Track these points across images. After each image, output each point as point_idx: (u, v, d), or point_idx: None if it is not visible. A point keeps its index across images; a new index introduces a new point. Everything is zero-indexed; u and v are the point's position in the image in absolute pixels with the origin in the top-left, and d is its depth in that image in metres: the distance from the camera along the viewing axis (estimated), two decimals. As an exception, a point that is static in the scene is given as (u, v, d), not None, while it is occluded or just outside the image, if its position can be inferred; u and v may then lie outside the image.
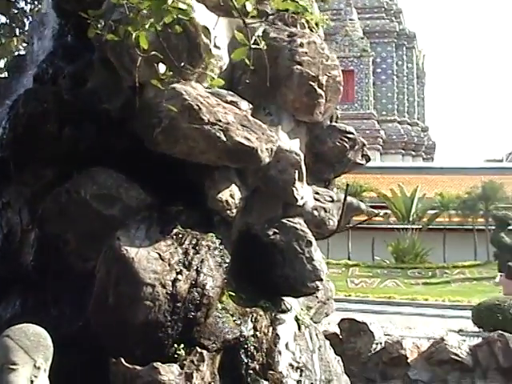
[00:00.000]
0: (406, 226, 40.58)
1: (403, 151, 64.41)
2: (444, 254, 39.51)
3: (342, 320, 8.86)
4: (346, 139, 5.28)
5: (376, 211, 41.04)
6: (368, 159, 5.73)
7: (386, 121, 64.88)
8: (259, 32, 4.77)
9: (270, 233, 4.77)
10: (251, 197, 4.73)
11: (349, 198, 5.67)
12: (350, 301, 27.93)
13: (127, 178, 4.58)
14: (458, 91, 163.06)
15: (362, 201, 32.80)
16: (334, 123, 5.41)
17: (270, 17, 5.13)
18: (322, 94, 4.93)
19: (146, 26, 3.33)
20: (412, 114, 68.09)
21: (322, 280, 4.89)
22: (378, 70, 66.53)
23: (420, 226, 40.89)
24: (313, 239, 4.83)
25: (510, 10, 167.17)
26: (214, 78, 4.41)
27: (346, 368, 5.62)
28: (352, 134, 5.33)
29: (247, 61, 3.27)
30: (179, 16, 3.41)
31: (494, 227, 37.02)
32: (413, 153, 65.13)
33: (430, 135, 71.01)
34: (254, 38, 3.42)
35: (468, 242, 39.38)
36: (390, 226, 41.79)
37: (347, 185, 5.50)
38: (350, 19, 67.10)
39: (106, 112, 4.73)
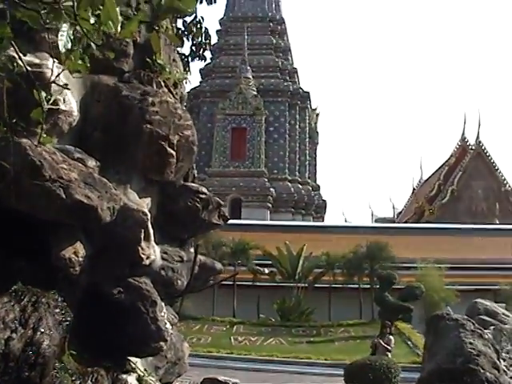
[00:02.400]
0: (291, 284, 40.85)
1: (293, 210, 65.14)
2: (329, 313, 39.89)
3: (205, 379, 8.80)
4: (198, 199, 5.28)
5: (262, 269, 41.42)
6: (226, 220, 5.74)
7: (277, 179, 65.60)
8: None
9: (115, 292, 4.70)
10: (97, 255, 4.66)
11: (203, 258, 5.66)
12: (232, 359, 27.85)
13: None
14: (353, 150, 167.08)
15: (248, 259, 33.05)
16: (187, 183, 5.41)
17: (126, 74, 5.14)
18: (173, 153, 4.94)
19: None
20: (303, 173, 69.10)
21: (166, 341, 4.84)
22: (271, 129, 67.48)
23: (306, 285, 41.24)
24: (158, 299, 4.79)
25: (404, 73, 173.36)
26: (59, 134, 4.35)
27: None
28: (205, 194, 5.34)
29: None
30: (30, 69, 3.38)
31: (378, 286, 37.64)
32: (303, 211, 65.92)
33: (320, 194, 72.10)
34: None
35: (353, 300, 39.94)
36: (275, 284, 42.01)
37: (197, 245, 5.49)
38: (245, 77, 67.98)
39: None
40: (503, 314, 8.45)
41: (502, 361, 7.52)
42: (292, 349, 30.88)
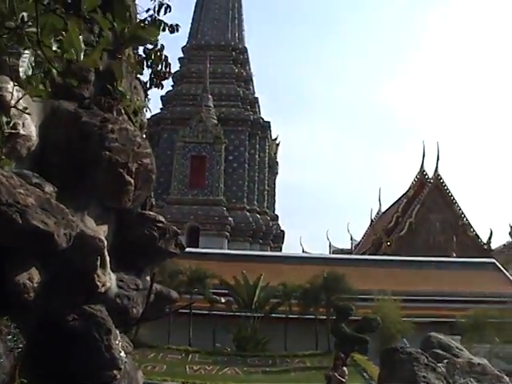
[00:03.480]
0: (248, 314, 40.77)
1: (251, 239, 65.18)
2: (285, 343, 39.87)
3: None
4: (155, 228, 5.27)
5: (217, 298, 41.26)
6: (182, 248, 5.73)
7: (235, 208, 65.67)
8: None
9: (70, 319, 4.66)
10: (53, 281, 4.61)
11: (159, 287, 5.65)
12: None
13: None
14: (312, 180, 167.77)
15: (204, 287, 32.98)
16: (144, 211, 5.41)
17: (86, 100, 5.14)
18: (131, 181, 4.93)
19: None
20: (262, 203, 69.27)
21: (120, 369, 4.81)
22: (231, 158, 67.64)
23: (262, 315, 41.19)
24: (113, 327, 4.76)
25: (366, 103, 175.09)
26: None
27: None
28: (162, 222, 5.34)
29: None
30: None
31: (335, 317, 37.74)
32: (261, 241, 65.98)
33: (279, 224, 72.23)
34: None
35: (309, 331, 40.00)
36: (232, 314, 41.90)
37: (153, 273, 5.48)
38: (206, 105, 68.16)
39: None
40: (457, 347, 8.54)
41: (454, 394, 7.60)
42: (247, 378, 30.78)
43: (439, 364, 7.59)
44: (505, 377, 8.08)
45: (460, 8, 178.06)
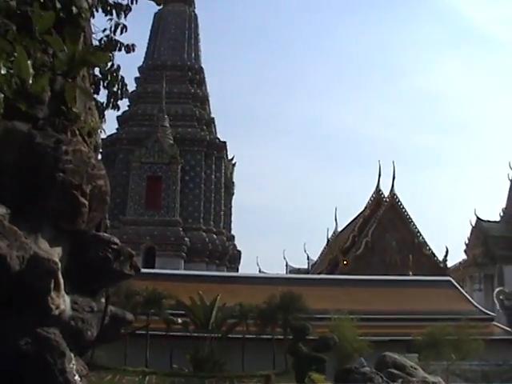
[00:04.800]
0: (205, 335, 40.62)
1: (207, 259, 65.12)
2: (243, 363, 39.78)
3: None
4: (109, 250, 5.24)
5: (174, 319, 41.04)
6: (137, 270, 5.69)
7: (191, 228, 65.57)
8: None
9: (23, 343, 4.60)
10: (5, 304, 4.56)
11: (114, 309, 5.60)
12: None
13: None
14: (268, 200, 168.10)
15: (161, 308, 32.82)
16: (99, 233, 5.37)
17: (41, 121, 5.10)
18: (86, 203, 4.90)
19: None
20: (218, 223, 69.27)
21: (73, 393, 4.75)
22: (187, 178, 67.61)
23: (219, 335, 41.08)
24: (67, 350, 4.71)
25: (320, 120, 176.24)
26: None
27: None
28: (116, 244, 5.30)
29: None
30: None
31: (292, 337, 37.81)
32: (217, 261, 65.94)
33: (235, 244, 72.28)
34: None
35: (267, 351, 40.01)
36: (189, 334, 41.76)
37: (108, 295, 5.44)
38: (162, 125, 68.17)
39: None
40: (411, 366, 8.62)
41: (410, 413, 7.65)
42: (205, 400, 30.64)
43: (394, 383, 7.66)
44: (460, 395, 8.17)
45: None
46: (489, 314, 54.38)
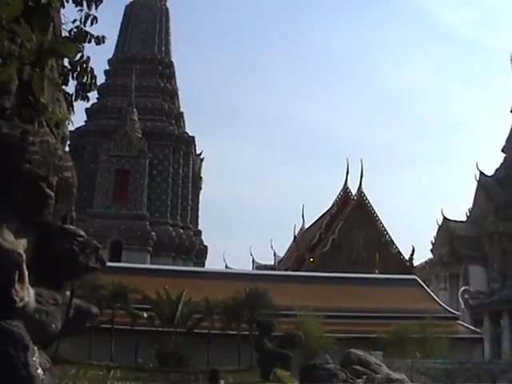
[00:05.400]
0: (170, 330, 40.55)
1: (174, 254, 64.99)
2: (208, 359, 39.79)
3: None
4: (75, 242, 5.18)
5: (141, 313, 40.95)
6: (103, 263, 5.64)
7: (158, 223, 65.40)
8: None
9: (-15, 336, 4.54)
10: (-32, 297, 4.50)
11: (79, 302, 5.55)
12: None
13: None
14: (236, 196, 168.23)
15: (126, 302, 32.66)
16: (65, 225, 5.31)
17: (7, 111, 5.03)
18: (52, 194, 4.84)
19: None
20: (185, 218, 69.16)
21: (35, 386, 4.69)
22: (154, 172, 67.40)
23: (185, 330, 41.02)
24: (30, 343, 4.64)
25: (289, 119, 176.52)
26: None
27: None
28: (82, 237, 5.24)
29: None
30: None
31: (257, 333, 37.87)
32: (183, 256, 65.83)
33: (202, 239, 72.21)
34: None
35: (232, 347, 40.05)
36: (154, 329, 41.67)
37: (73, 288, 5.38)
38: (131, 119, 67.91)
39: None
40: (375, 363, 8.67)
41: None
42: (169, 395, 30.53)
43: (358, 380, 7.69)
44: (423, 392, 8.23)
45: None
46: (453, 313, 54.95)
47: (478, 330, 51.55)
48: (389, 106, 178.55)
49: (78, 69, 6.37)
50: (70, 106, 6.61)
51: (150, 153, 67.16)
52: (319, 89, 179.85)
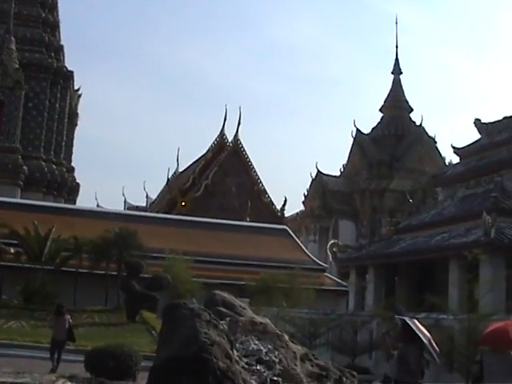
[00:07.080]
0: (37, 266, 39.85)
1: (45, 190, 63.58)
2: (75, 298, 39.39)
3: None
4: None
5: (6, 248, 40.06)
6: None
7: (31, 157, 63.72)
8: None
9: None
10: None
11: None
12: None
13: None
14: (114, 134, 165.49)
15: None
16: None
17: None
18: None
19: None
20: (59, 154, 67.69)
21: None
22: (30, 105, 65.41)
23: (52, 267, 40.42)
24: None
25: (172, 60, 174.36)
26: None
27: None
28: None
29: None
30: None
31: (125, 274, 37.78)
32: (55, 192, 64.51)
33: (74, 176, 70.94)
34: None
35: (99, 286, 39.81)
36: (20, 265, 40.87)
37: None
38: (8, 48, 65.21)
39: None
40: (240, 306, 8.89)
41: (235, 351, 7.88)
42: (34, 332, 30.05)
43: (222, 321, 7.88)
44: (285, 335, 8.54)
45: None
46: (321, 265, 56.38)
47: (344, 283, 52.88)
48: (274, 57, 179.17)
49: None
50: None
51: (27, 85, 64.95)
52: (204, 36, 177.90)
